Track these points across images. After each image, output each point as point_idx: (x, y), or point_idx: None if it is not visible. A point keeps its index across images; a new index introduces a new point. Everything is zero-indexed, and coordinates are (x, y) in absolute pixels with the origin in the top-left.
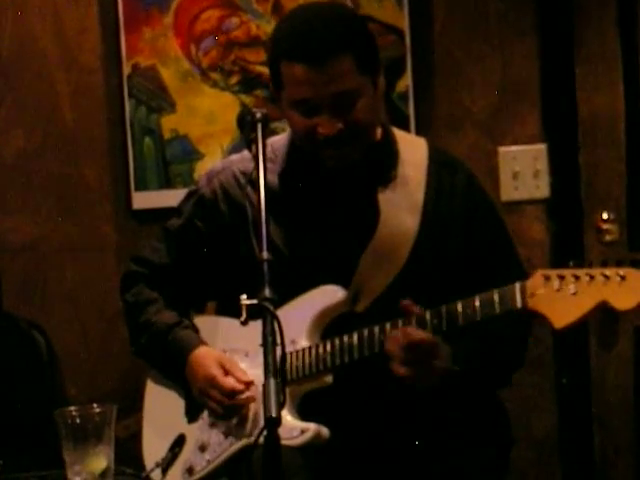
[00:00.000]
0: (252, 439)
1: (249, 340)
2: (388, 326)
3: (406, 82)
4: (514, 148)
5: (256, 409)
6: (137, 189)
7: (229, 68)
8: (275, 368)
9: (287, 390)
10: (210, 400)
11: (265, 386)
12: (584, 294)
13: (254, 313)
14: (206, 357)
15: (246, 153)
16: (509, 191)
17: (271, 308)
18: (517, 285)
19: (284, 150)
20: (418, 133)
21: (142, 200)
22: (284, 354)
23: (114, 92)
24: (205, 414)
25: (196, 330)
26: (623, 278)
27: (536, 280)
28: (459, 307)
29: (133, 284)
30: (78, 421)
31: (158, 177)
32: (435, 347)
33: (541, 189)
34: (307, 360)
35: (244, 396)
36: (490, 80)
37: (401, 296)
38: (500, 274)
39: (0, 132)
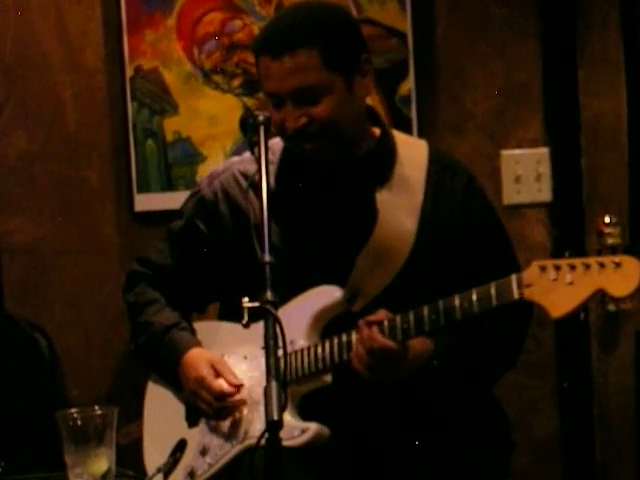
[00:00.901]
0: (253, 442)
1: (248, 343)
2: (386, 324)
3: (408, 85)
4: (516, 151)
5: (252, 412)
6: (139, 191)
7: (232, 70)
8: (277, 370)
9: (287, 391)
10: (200, 401)
11: (267, 389)
12: (580, 283)
13: (255, 315)
14: (198, 358)
15: (247, 154)
16: (511, 194)
17: (273, 311)
18: (513, 277)
19: (281, 151)
20: (420, 136)
21: (144, 202)
22: (286, 357)
23: (117, 94)
24: (205, 418)
25: (193, 332)
26: (618, 265)
27: (532, 271)
28: (456, 301)
29: (135, 284)
30: (79, 423)
31: (160, 179)
32: (398, 353)
33: (543, 193)
34: (306, 360)
35: (234, 399)
36: (493, 83)
37: (398, 296)
38: (497, 276)
39: (3, 134)
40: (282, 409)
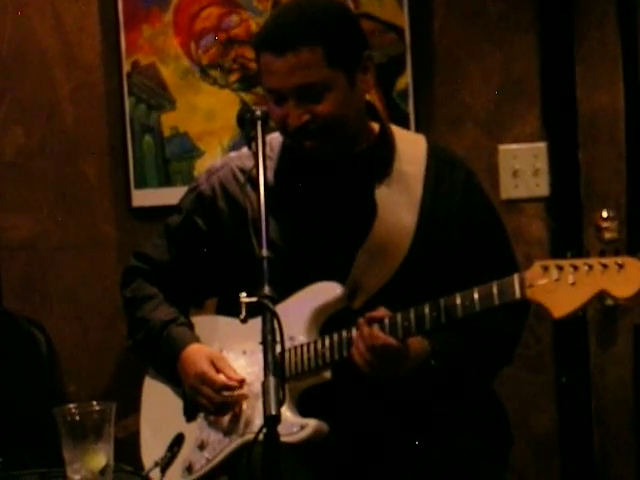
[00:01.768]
0: (251, 436)
1: (246, 338)
2: (386, 321)
3: (406, 80)
4: (514, 146)
5: (250, 407)
6: (137, 187)
7: (229, 66)
8: (275, 366)
9: (286, 386)
10: (201, 396)
11: (265, 384)
12: (583, 284)
13: (253, 310)
14: (197, 354)
15: (244, 150)
16: (509, 189)
17: (271, 306)
18: (516, 276)
19: (280, 147)
20: (418, 131)
21: (142, 198)
22: (283, 352)
23: (114, 90)
24: (204, 413)
25: (191, 327)
26: (621, 266)
27: (535, 271)
28: (458, 299)
29: (133, 279)
30: (77, 418)
31: (158, 175)
32: (399, 351)
33: (541, 187)
34: (305, 356)
35: (235, 393)
36: (490, 78)
37: (398, 292)
38: (495, 272)
39: (0, 130)
40: (280, 404)
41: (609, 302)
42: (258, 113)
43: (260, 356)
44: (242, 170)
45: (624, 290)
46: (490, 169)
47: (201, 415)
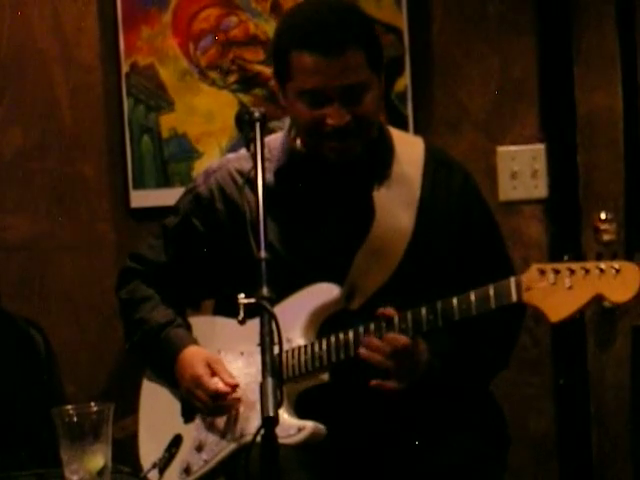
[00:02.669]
0: (249, 438)
1: (244, 339)
2: (384, 324)
3: (404, 82)
4: (512, 148)
5: (248, 408)
6: (135, 187)
7: (227, 67)
8: (273, 367)
9: (284, 388)
10: (196, 400)
11: (262, 385)
12: (579, 288)
13: (251, 312)
14: (194, 357)
15: (243, 151)
16: (507, 191)
17: (269, 307)
18: (512, 279)
19: (280, 148)
20: (416, 133)
21: (140, 199)
22: (281, 353)
23: (112, 91)
24: (200, 414)
25: (189, 329)
26: (618, 271)
27: (531, 274)
28: (454, 302)
29: (129, 281)
30: (75, 419)
31: (156, 176)
32: (415, 346)
33: (539, 189)
34: (303, 358)
35: (228, 398)
36: (489, 80)
37: (395, 294)
38: (490, 274)
39: None
40: (278, 405)
41: (607, 304)
42: (256, 114)
43: (258, 357)
44: (239, 172)
45: (620, 295)
46: (488, 171)
47: (199, 416)
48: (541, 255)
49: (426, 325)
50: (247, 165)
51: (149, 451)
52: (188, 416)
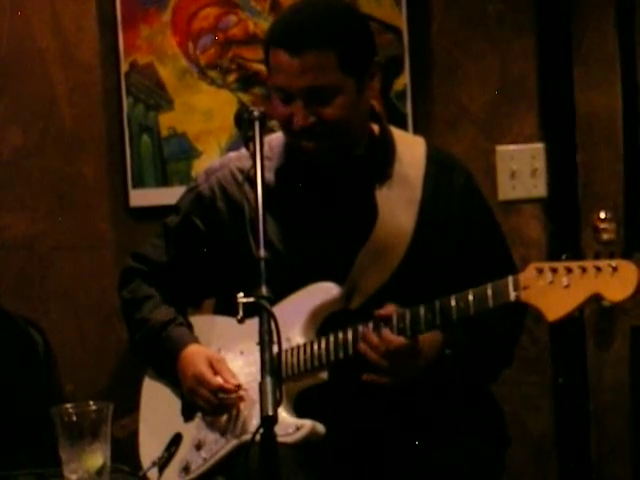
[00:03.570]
0: (248, 437)
1: (244, 338)
2: (382, 324)
3: (404, 81)
4: (512, 147)
5: (247, 407)
6: (134, 187)
7: (227, 66)
8: (272, 366)
9: (283, 387)
10: (198, 398)
11: (262, 384)
12: (577, 286)
13: (251, 311)
14: (196, 355)
15: (244, 150)
16: (507, 190)
17: (268, 306)
18: (510, 278)
19: (281, 147)
20: (416, 132)
21: (139, 198)
22: (280, 352)
23: (112, 89)
24: (201, 413)
25: (190, 327)
26: (615, 269)
27: (529, 273)
28: (452, 301)
29: (130, 280)
30: (74, 418)
31: (155, 175)
32: (413, 346)
33: (538, 188)
34: (302, 357)
35: (232, 396)
36: (488, 79)
37: (395, 293)
38: (493, 274)
39: None
40: (277, 404)
41: (606, 303)
42: (256, 113)
43: (258, 356)
44: (241, 170)
45: (618, 293)
46: (488, 170)
47: (199, 415)
48: (540, 254)
49: (424, 324)
50: (248, 164)
51: (149, 449)
52: (188, 415)
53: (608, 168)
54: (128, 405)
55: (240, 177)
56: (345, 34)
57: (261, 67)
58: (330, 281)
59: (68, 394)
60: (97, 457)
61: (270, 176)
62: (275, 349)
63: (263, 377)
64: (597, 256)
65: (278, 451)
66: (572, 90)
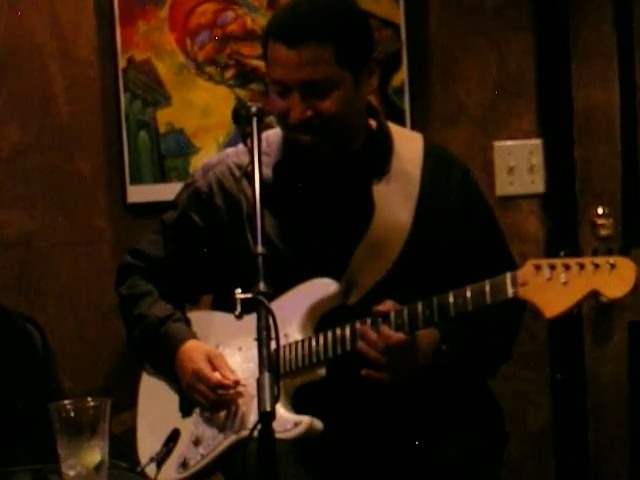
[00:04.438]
0: (246, 433)
1: (242, 334)
2: (380, 319)
3: (402, 77)
4: (509, 143)
5: (245, 403)
6: (132, 183)
7: (224, 62)
8: (270, 362)
9: (281, 383)
10: (197, 394)
11: (260, 380)
12: (575, 283)
13: (248, 307)
14: (194, 351)
15: (241, 146)
16: (504, 186)
17: (266, 302)
18: (508, 275)
19: (279, 143)
20: (413, 128)
21: (137, 194)
22: (278, 348)
23: (109, 86)
24: (199, 408)
25: (188, 323)
26: (613, 266)
27: (527, 270)
28: (450, 298)
29: (128, 276)
30: (72, 414)
31: (153, 171)
32: (412, 342)
33: (536, 184)
34: (300, 353)
35: (230, 392)
36: (486, 75)
37: (393, 289)
38: (491, 270)
39: None
40: (275, 400)
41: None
42: (253, 109)
43: (255, 352)
44: (239, 166)
45: (615, 290)
46: (485, 166)
47: (196, 411)
48: (538, 250)
49: (422, 321)
50: (246, 160)
51: (147, 445)
52: (186, 410)
53: (606, 164)
54: (126, 401)
55: (238, 173)
56: (343, 28)
57: (259, 63)
58: (328, 277)
59: (66, 390)
60: (95, 453)
61: (268, 172)
62: (273, 345)
63: (261, 373)
64: (595, 253)
65: (276, 447)
66: (570, 86)
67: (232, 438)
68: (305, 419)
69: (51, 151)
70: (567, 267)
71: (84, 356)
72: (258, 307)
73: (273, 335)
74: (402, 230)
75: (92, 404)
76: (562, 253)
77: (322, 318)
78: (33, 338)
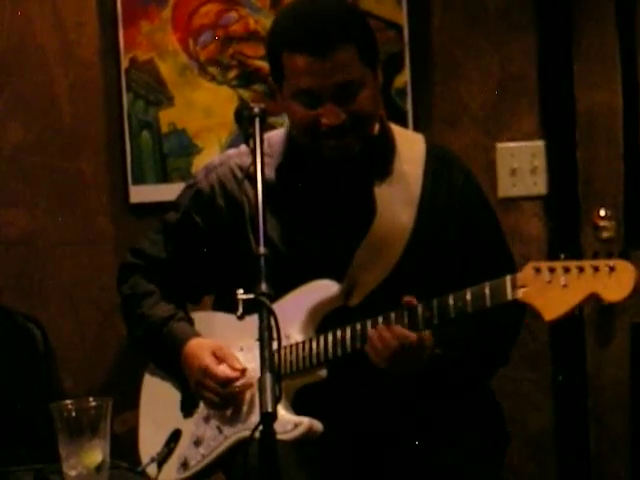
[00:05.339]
0: (247, 433)
1: (244, 334)
2: (380, 320)
3: (404, 78)
4: (512, 144)
5: (246, 404)
6: (134, 183)
7: (227, 62)
8: (271, 363)
9: (282, 384)
10: (206, 390)
11: (261, 381)
12: (574, 286)
13: (250, 307)
14: (199, 348)
15: (243, 147)
16: (507, 187)
17: (267, 303)
18: (508, 277)
19: (281, 144)
20: (416, 129)
21: (139, 194)
22: (279, 349)
23: (112, 86)
24: (200, 409)
25: (191, 322)
26: (612, 269)
27: (527, 272)
28: (450, 300)
29: (129, 276)
30: (74, 414)
31: (155, 171)
32: (421, 342)
33: (539, 186)
34: (301, 354)
35: (239, 383)
36: (488, 76)
37: (394, 291)
38: (491, 271)
39: None
40: (276, 401)
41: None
42: (256, 110)
43: (256, 353)
44: (241, 167)
45: (615, 293)
46: (488, 167)
47: (198, 411)
48: (540, 252)
49: (422, 323)
50: (248, 161)
51: (149, 445)
52: (187, 411)
53: (608, 166)
54: (127, 401)
55: (239, 174)
56: (358, 26)
57: (262, 64)
58: (329, 278)
59: (67, 390)
60: (96, 453)
61: (270, 173)
62: (274, 346)
63: (262, 373)
64: (595, 255)
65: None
66: (572, 87)
67: (232, 439)
68: (305, 420)
69: (53, 151)
70: (567, 270)
71: (85, 356)
72: (260, 308)
73: (274, 336)
74: (404, 231)
75: (93, 404)
76: (562, 256)
77: (323, 319)
78: (34, 337)
